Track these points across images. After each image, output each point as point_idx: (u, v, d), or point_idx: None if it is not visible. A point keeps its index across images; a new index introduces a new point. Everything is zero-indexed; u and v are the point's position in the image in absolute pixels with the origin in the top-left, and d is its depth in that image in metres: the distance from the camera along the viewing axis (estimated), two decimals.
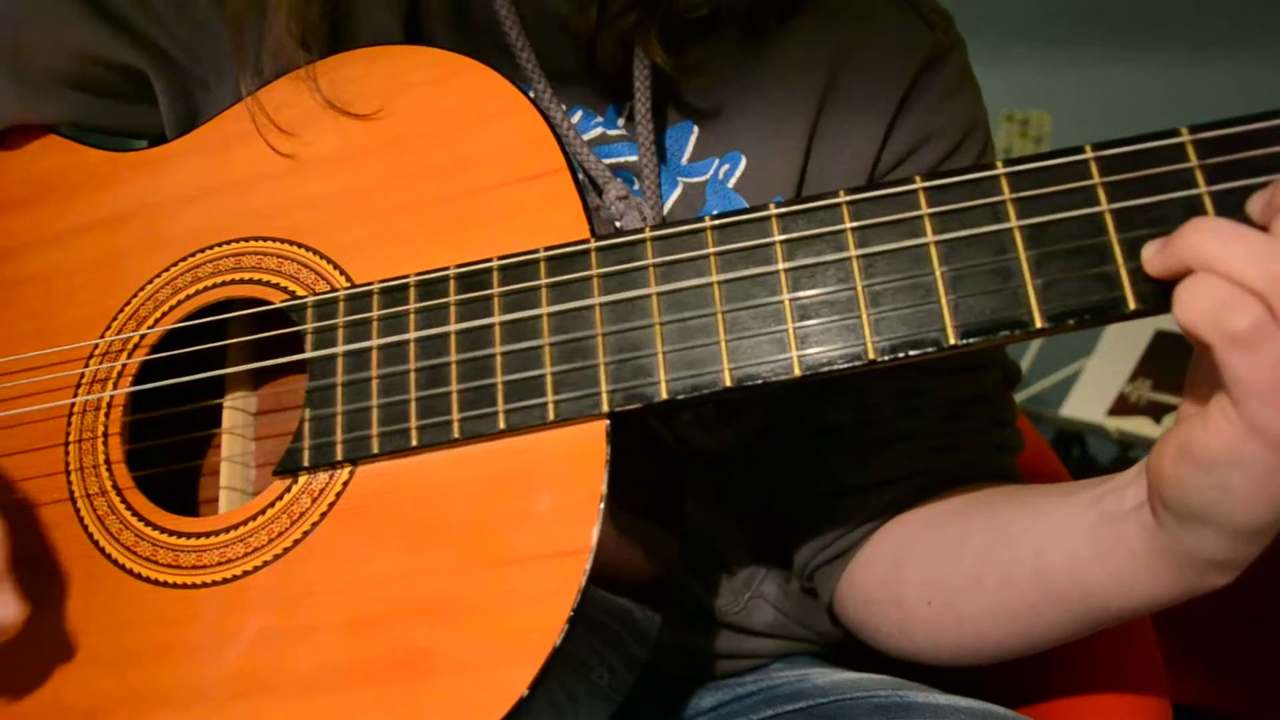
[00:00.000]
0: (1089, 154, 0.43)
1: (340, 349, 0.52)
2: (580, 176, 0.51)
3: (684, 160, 0.62)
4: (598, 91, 0.62)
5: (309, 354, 0.53)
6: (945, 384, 0.63)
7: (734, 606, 0.67)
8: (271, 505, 0.52)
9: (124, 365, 0.58)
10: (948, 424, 0.63)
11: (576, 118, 0.61)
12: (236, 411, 0.60)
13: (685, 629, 0.66)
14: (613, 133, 0.61)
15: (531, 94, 0.54)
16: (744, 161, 0.61)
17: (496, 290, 0.50)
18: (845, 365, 0.44)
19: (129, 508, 0.55)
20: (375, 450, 0.50)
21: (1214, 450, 0.41)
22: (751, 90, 0.62)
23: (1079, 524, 0.52)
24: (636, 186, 0.60)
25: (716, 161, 0.61)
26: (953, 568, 0.58)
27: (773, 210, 0.47)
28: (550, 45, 0.60)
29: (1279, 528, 0.44)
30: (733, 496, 0.68)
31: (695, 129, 0.62)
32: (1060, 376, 2.06)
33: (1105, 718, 0.66)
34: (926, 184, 0.45)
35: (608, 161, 0.60)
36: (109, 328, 0.59)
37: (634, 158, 0.60)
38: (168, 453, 0.60)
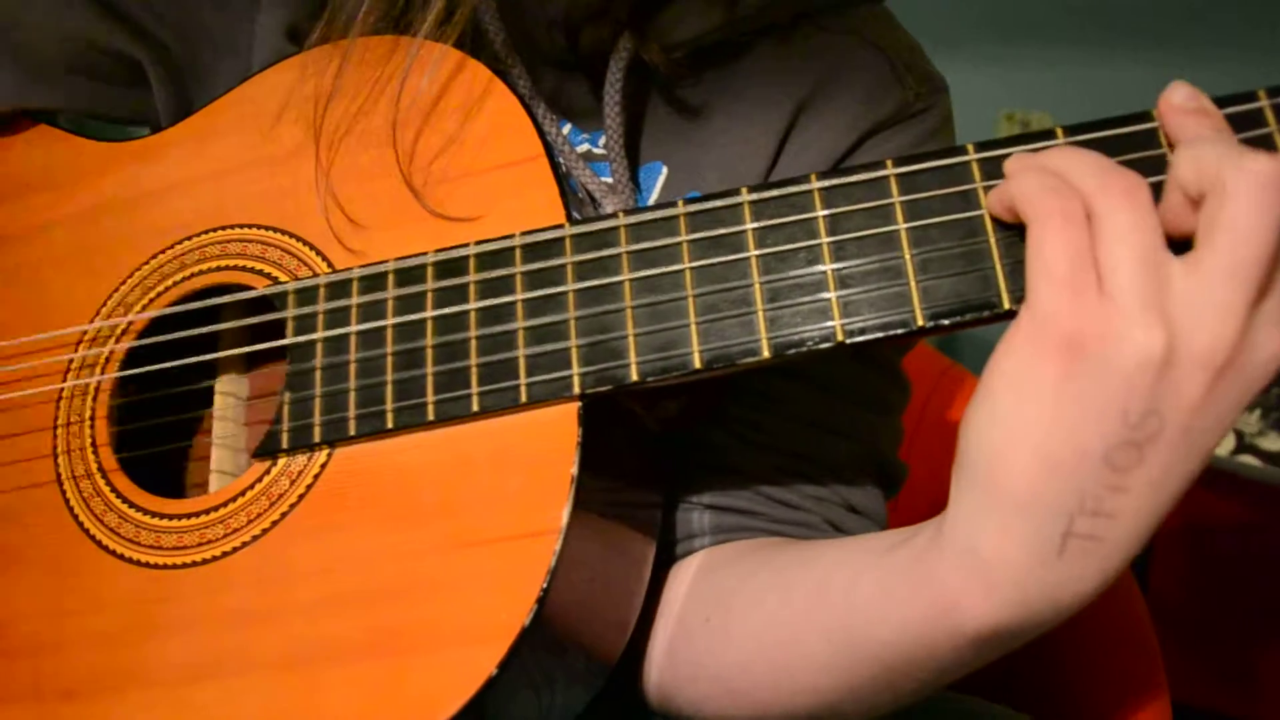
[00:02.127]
0: (1061, 138, 0.43)
1: (319, 334, 0.52)
2: (580, 194, 0.51)
3: (652, 199, 0.61)
4: (581, 116, 0.62)
5: (289, 339, 0.53)
6: (817, 442, 0.59)
7: None
8: (251, 488, 0.52)
9: (112, 350, 0.58)
10: (792, 479, 0.59)
11: (566, 129, 0.62)
12: (226, 396, 0.61)
13: None
14: (598, 150, 0.62)
15: (526, 102, 0.54)
16: None
17: (472, 277, 0.50)
18: (815, 347, 0.45)
19: (113, 490, 0.55)
20: (352, 432, 0.50)
21: (997, 360, 0.39)
22: (717, 131, 0.61)
23: (869, 543, 0.49)
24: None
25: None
26: (741, 587, 0.53)
27: (745, 197, 0.47)
28: (534, 70, 0.60)
29: (1049, 514, 0.38)
30: None
31: (664, 169, 0.61)
32: None
33: (1105, 717, 0.66)
34: (897, 170, 0.45)
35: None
36: (98, 314, 0.60)
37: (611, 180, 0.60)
38: (157, 436, 0.60)
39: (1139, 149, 0.42)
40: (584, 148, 0.62)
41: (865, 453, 0.60)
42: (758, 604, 0.51)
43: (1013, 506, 0.39)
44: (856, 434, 0.60)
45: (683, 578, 0.58)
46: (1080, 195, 0.39)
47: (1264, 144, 0.41)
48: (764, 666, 0.50)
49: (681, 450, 0.60)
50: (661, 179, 0.61)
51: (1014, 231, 0.43)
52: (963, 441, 0.40)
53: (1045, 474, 0.38)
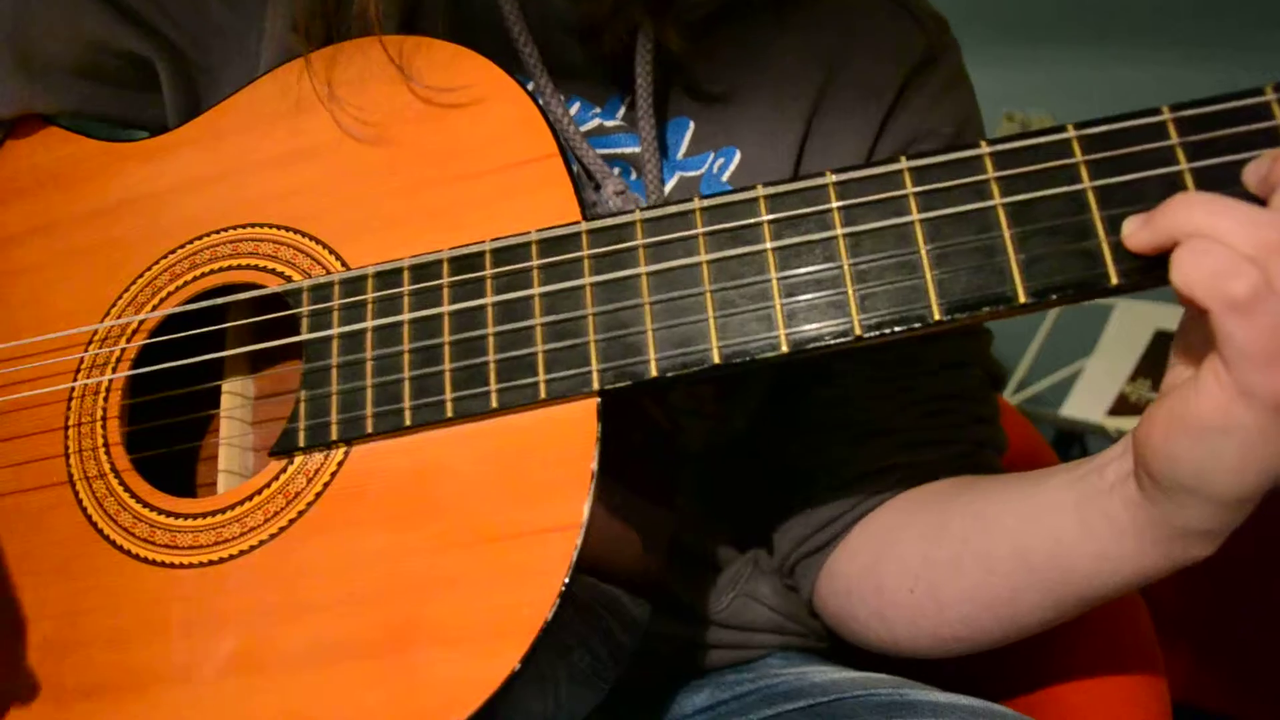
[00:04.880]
0: (1071, 133, 0.44)
1: (335, 330, 0.52)
2: (575, 169, 0.52)
3: (680, 154, 0.62)
4: (597, 83, 0.62)
5: (305, 336, 0.53)
6: (927, 381, 0.64)
7: (718, 605, 0.67)
8: (268, 486, 0.52)
9: (123, 350, 0.58)
10: (928, 419, 0.63)
11: (574, 109, 0.62)
12: (235, 396, 0.61)
13: (674, 621, 0.66)
14: (610, 124, 0.62)
15: (531, 85, 0.54)
16: (739, 156, 0.62)
17: (489, 272, 0.50)
18: (832, 341, 0.45)
19: (127, 489, 0.55)
20: (370, 430, 0.50)
21: (1206, 416, 0.41)
22: (748, 88, 0.62)
23: (1061, 503, 0.52)
24: (634, 177, 0.61)
25: (712, 155, 0.62)
26: (934, 553, 0.58)
27: (761, 191, 0.47)
28: (550, 39, 0.60)
29: (1263, 494, 0.44)
30: (721, 499, 0.68)
31: (691, 124, 0.63)
32: (1060, 376, 2.06)
33: (1105, 717, 0.66)
34: (911, 164, 0.45)
35: (605, 152, 0.60)
36: (108, 314, 0.60)
37: (632, 149, 0.61)
38: (167, 436, 0.60)
39: (1147, 141, 0.43)
40: (594, 123, 0.62)
41: (983, 371, 0.67)
42: (958, 572, 0.57)
43: (1236, 502, 0.45)
44: (975, 359, 0.66)
45: (858, 549, 0.62)
46: (1251, 265, 0.39)
47: (1272, 137, 0.42)
48: (989, 619, 0.57)
49: (818, 434, 0.64)
50: (689, 133, 0.62)
51: (1027, 226, 0.43)
52: (1171, 466, 0.44)
53: (1265, 481, 0.43)
